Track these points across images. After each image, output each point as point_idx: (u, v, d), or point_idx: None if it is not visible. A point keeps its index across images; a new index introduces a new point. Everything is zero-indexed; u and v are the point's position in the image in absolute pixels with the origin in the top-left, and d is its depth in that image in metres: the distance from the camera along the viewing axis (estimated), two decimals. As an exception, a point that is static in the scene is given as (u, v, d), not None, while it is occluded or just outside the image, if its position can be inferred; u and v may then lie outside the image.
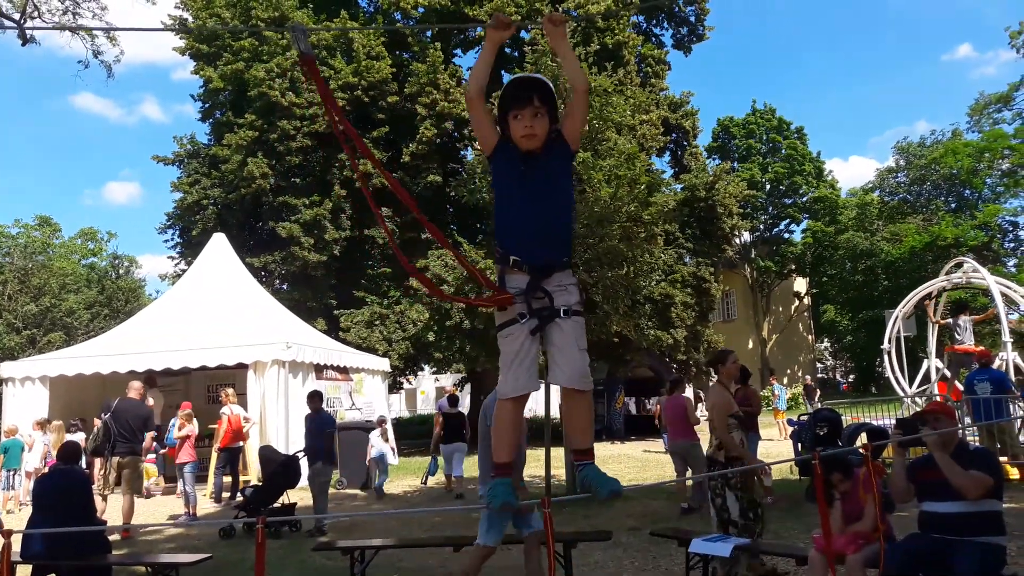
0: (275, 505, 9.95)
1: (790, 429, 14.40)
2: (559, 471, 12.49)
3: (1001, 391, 10.22)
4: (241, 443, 12.66)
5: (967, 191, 40.85)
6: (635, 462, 16.10)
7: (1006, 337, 13.19)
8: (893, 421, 8.90)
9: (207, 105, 24.87)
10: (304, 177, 22.68)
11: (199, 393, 16.77)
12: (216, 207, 22.99)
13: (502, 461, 2.86)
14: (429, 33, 23.59)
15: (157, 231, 29.05)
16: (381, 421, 14.56)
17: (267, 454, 10.57)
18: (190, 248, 23.01)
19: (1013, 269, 33.74)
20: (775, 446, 17.18)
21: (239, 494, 11.40)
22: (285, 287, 23.31)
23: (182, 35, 23.84)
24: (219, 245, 17.23)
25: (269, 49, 22.04)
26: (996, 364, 11.77)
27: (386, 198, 22.32)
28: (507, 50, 23.91)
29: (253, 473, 13.52)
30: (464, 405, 18.07)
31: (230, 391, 12.88)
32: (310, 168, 22.72)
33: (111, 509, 9.80)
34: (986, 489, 4.29)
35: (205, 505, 12.11)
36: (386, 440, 13.64)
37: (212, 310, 15.01)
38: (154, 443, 12.10)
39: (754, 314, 41.11)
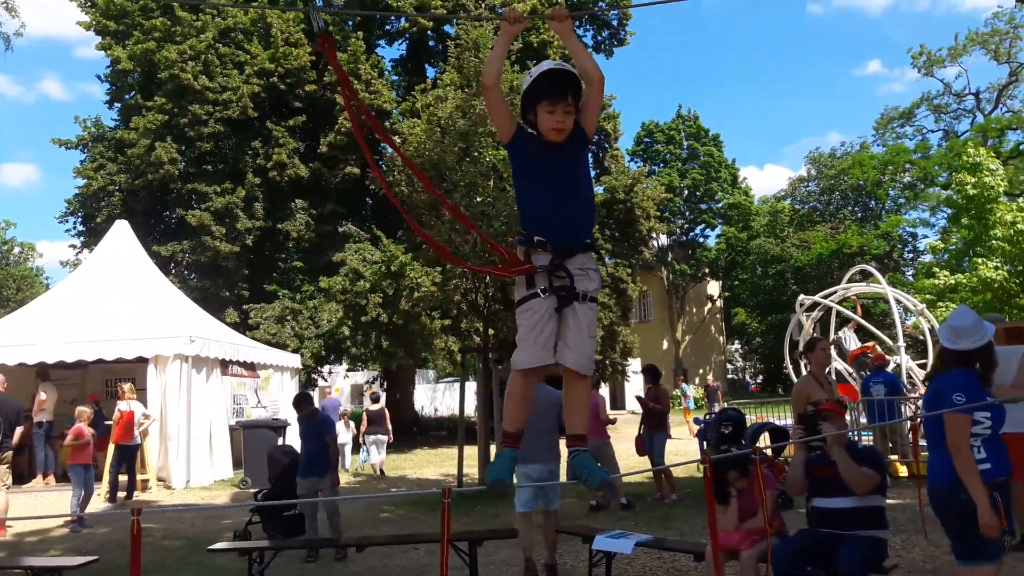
0: (291, 512, 8.53)
1: (696, 428, 14.73)
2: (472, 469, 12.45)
3: (894, 393, 10.67)
4: (138, 440, 12.10)
5: (872, 202, 42.78)
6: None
7: (900, 342, 13.79)
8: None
9: (114, 86, 23.76)
10: (216, 164, 21.93)
11: (96, 388, 15.98)
12: (122, 193, 21.98)
13: (510, 432, 2.90)
14: (351, 23, 23.17)
15: (57, 220, 27.52)
16: (343, 413, 16.32)
17: (274, 455, 9.39)
18: (94, 236, 21.91)
19: (911, 278, 35.41)
20: (683, 444, 17.54)
21: (134, 493, 10.90)
22: (193, 278, 22.51)
23: (87, 8, 22.71)
24: (121, 232, 16.47)
25: (182, 30, 21.20)
26: (890, 368, 12.28)
27: (302, 190, 21.85)
28: (430, 43, 23.75)
29: (152, 472, 13.03)
30: (382, 404, 18.01)
31: (128, 386, 12.31)
32: (222, 155, 21.99)
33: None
34: (874, 485, 4.47)
35: (99, 504, 11.55)
36: (348, 429, 15.85)
37: (111, 300, 14.32)
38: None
39: (669, 315, 42.02)
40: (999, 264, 21.25)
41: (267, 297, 21.05)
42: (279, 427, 13.60)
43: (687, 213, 42.55)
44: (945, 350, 3.85)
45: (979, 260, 21.51)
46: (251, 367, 15.68)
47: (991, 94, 38.69)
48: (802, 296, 17.42)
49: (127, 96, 23.26)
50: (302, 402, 8.35)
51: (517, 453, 2.89)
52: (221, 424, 14.18)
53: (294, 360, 17.67)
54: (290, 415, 16.07)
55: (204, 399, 13.69)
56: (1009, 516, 3.65)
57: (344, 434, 15.33)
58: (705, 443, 11.49)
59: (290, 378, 17.40)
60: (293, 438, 16.22)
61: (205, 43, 20.74)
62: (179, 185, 21.12)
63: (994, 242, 21.45)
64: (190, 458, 13.25)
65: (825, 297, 16.56)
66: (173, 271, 21.40)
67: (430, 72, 23.50)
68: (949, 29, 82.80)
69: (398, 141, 17.60)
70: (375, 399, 16.12)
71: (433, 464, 16.50)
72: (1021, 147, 35.26)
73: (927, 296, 21.37)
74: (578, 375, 2.82)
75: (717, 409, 17.32)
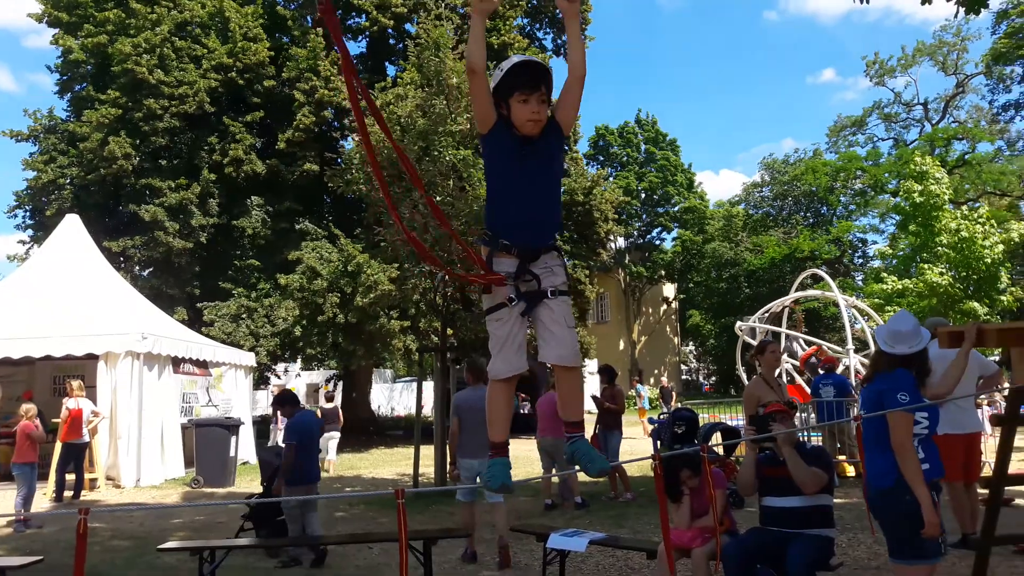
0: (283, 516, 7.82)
1: (651, 427, 14.92)
2: (428, 469, 12.44)
3: (843, 395, 10.94)
4: (86, 438, 11.85)
5: (824, 208, 43.70)
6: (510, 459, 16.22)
7: (849, 344, 14.15)
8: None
9: (66, 78, 23.15)
10: (171, 159, 21.53)
11: (44, 385, 15.62)
12: (73, 187, 21.45)
13: (498, 441, 2.90)
14: (310, 19, 22.94)
15: (6, 213, 26.72)
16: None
17: (264, 456, 8.89)
18: (44, 230, 21.32)
19: (860, 283, 36.31)
20: (637, 444, 17.74)
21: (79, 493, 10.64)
22: (146, 274, 22.06)
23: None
24: (72, 227, 16.07)
25: (137, 23, 20.78)
26: (839, 370, 12.58)
27: (259, 187, 21.57)
28: (391, 41, 23.63)
29: (100, 471, 12.77)
30: (336, 403, 18.02)
31: (77, 383, 12.04)
32: (177, 150, 21.58)
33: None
34: (822, 484, 4.58)
35: (43, 503, 11.28)
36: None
37: (61, 296, 13.98)
38: None
39: (626, 317, 42.42)
40: (944, 270, 21.92)
41: (221, 295, 20.74)
42: (232, 426, 13.43)
43: (644, 216, 43.02)
44: (883, 354, 3.95)
45: (925, 266, 22.17)
46: (204, 365, 15.45)
47: (939, 104, 39.84)
48: (739, 324, 17.86)
49: (78, 87, 22.71)
50: (282, 402, 7.70)
51: (504, 460, 2.89)
52: (173, 422, 13.95)
53: (248, 358, 17.45)
54: (243, 413, 15.94)
55: (156, 397, 13.44)
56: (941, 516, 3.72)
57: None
58: (659, 442, 11.66)
59: (244, 376, 17.17)
60: (246, 437, 16.13)
61: (160, 36, 20.35)
62: (132, 180, 20.69)
63: (939, 248, 22.13)
64: (140, 457, 13.01)
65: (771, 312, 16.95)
66: (125, 267, 20.94)
67: (391, 70, 23.41)
68: (901, 40, 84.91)
69: (356, 139, 17.57)
70: (329, 398, 17.20)
71: (389, 464, 16.45)
72: (966, 157, 36.36)
73: (876, 300, 21.94)
74: (567, 368, 2.81)
75: (671, 408, 17.61)
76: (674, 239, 43.32)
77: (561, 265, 2.84)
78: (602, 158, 42.73)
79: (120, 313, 14.32)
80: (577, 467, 2.84)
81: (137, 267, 22.15)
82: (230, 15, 21.25)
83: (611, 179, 37.11)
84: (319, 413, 16.16)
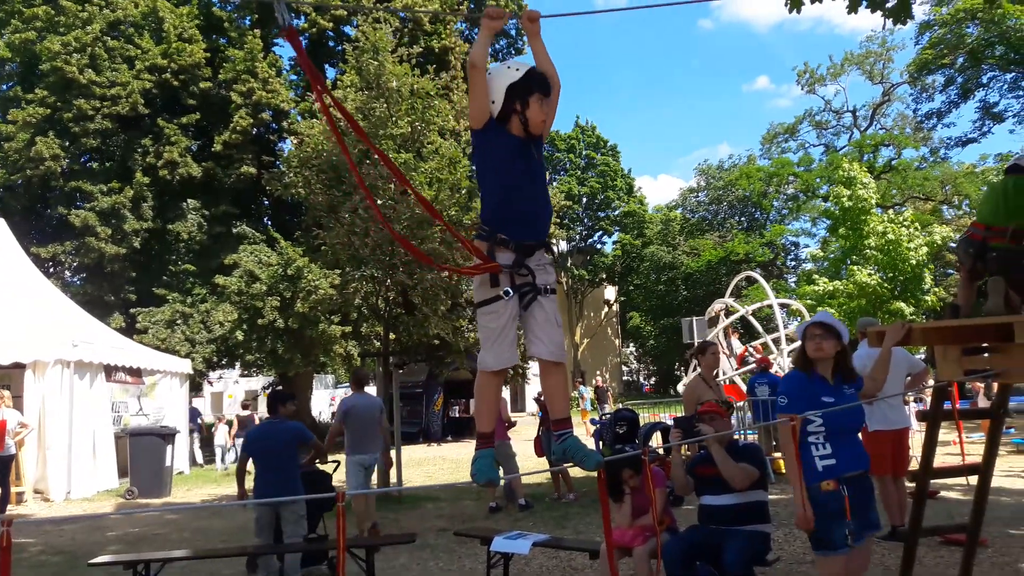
0: (311, 535, 7.14)
1: (593, 428, 15.09)
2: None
3: (777, 393, 11.22)
4: (12, 450, 11.40)
5: (757, 212, 44.77)
6: (450, 464, 16.21)
7: (783, 345, 14.55)
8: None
9: (-13, 74, 22.32)
10: (103, 162, 20.91)
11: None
12: (-4, 189, 20.69)
13: (485, 431, 2.92)
14: (248, 20, 22.58)
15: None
16: (219, 419, 18.40)
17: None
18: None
19: (793, 284, 37.29)
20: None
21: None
22: (76, 281, 21.37)
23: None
24: (-4, 231, 15.50)
25: (67, 21, 20.14)
26: (773, 369, 12.93)
27: (194, 190, 21.10)
28: (331, 43, 23.42)
29: (28, 484, 12.31)
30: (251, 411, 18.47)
31: (7, 393, 11.60)
32: (109, 152, 20.99)
33: None
34: (752, 480, 4.70)
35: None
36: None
37: (-15, 303, 13.47)
38: None
39: (568, 319, 42.76)
40: (872, 271, 22.70)
41: (156, 301, 20.22)
42: (168, 435, 13.11)
43: (585, 220, 43.47)
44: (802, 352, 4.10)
45: (855, 268, 22.92)
46: (137, 373, 15.04)
47: (867, 112, 41.15)
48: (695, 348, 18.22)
49: (5, 87, 21.90)
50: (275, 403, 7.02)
51: (491, 451, 2.91)
52: (106, 432, 13.55)
53: (184, 365, 17.05)
54: (179, 422, 15.57)
55: (87, 406, 13.04)
56: (865, 508, 3.78)
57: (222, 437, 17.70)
58: (601, 443, 11.80)
59: (179, 384, 16.77)
60: (182, 446, 15.75)
61: (92, 35, 19.78)
62: (61, 183, 20.06)
63: (868, 251, 22.91)
64: (71, 468, 12.58)
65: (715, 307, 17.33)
66: (55, 273, 20.27)
67: (330, 72, 23.18)
68: (831, 49, 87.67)
69: (295, 142, 17.34)
70: (245, 406, 18.28)
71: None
72: (893, 163, 37.68)
73: (808, 301, 22.60)
74: (554, 364, 2.90)
75: (607, 409, 17.84)
76: (614, 243, 43.87)
77: (552, 263, 2.96)
78: (544, 163, 43.05)
79: (49, 320, 13.84)
80: (569, 464, 2.90)
81: (68, 273, 21.46)
82: (164, 15, 20.77)
83: (553, 184, 37.40)
84: (236, 420, 17.49)
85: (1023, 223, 4.56)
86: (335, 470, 8.33)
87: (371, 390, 10.60)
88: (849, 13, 5.05)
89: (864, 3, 5.05)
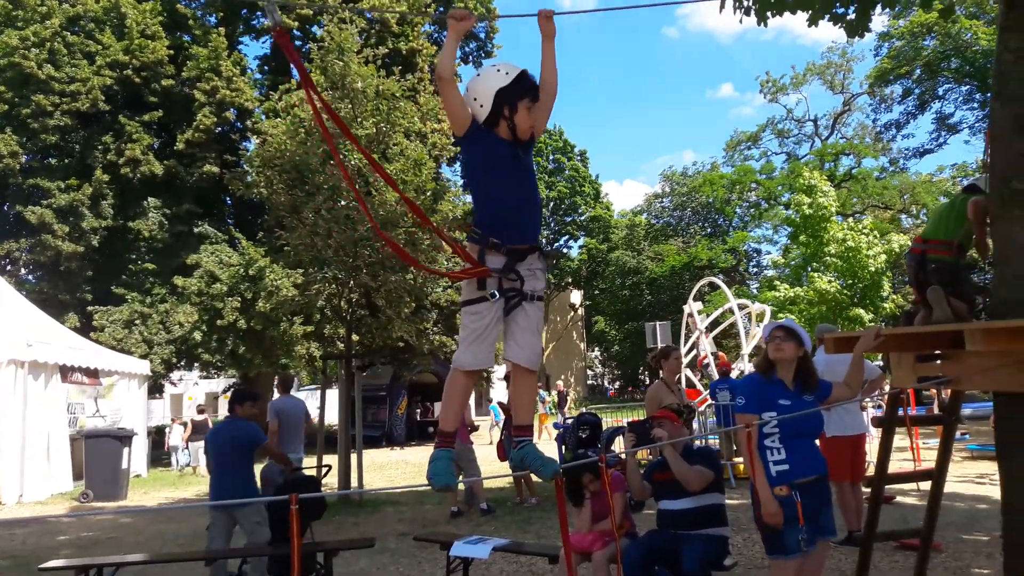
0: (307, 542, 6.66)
1: (556, 432, 15.11)
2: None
3: (738, 398, 11.36)
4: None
5: (720, 219, 45.32)
6: (412, 467, 16.13)
7: (744, 350, 14.74)
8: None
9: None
10: (61, 158, 20.49)
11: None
12: (-49, 186, 20.16)
13: (448, 430, 2.90)
14: (213, 18, 22.29)
15: None
16: (174, 421, 19.23)
17: (266, 475, 7.75)
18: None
19: (755, 290, 37.82)
20: (543, 448, 17.91)
21: None
22: (32, 279, 20.89)
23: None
24: (-52, 227, 15.11)
25: (25, 15, 19.71)
26: (734, 374, 13.08)
27: (156, 188, 20.75)
28: (297, 42, 23.19)
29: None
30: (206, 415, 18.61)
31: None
32: (69, 149, 20.57)
33: None
34: (707, 482, 4.74)
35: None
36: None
37: (-66, 301, 13.13)
38: None
39: (534, 323, 42.83)
40: (832, 278, 23.09)
41: (114, 300, 19.84)
42: (125, 437, 12.86)
43: (552, 224, 43.64)
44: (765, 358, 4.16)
45: (815, 274, 23.31)
46: (95, 374, 14.74)
47: (828, 121, 41.88)
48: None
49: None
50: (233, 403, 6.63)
51: (450, 452, 2.89)
52: (60, 434, 13.25)
53: (142, 366, 16.75)
54: (136, 424, 15.29)
55: (42, 407, 12.75)
56: (820, 513, 3.81)
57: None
58: (563, 447, 11.82)
59: (137, 386, 16.48)
60: (139, 449, 15.47)
61: (51, 30, 19.38)
62: (19, 179, 19.60)
63: (828, 258, 23.32)
64: (24, 471, 12.29)
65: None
66: (9, 271, 19.80)
67: (295, 71, 22.97)
68: (794, 59, 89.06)
69: (257, 140, 17.17)
70: (200, 410, 18.86)
71: (291, 473, 16.09)
72: (853, 171, 38.40)
73: (769, 307, 22.92)
74: (528, 371, 2.91)
75: (566, 412, 17.90)
76: (580, 247, 44.10)
77: (543, 270, 2.95)
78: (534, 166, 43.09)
79: (2, 319, 13.51)
80: (527, 471, 2.89)
81: (23, 271, 20.98)
82: (127, 11, 20.41)
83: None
84: (190, 424, 17.80)
85: (967, 237, 4.74)
86: (326, 473, 8.24)
87: (300, 395, 10.76)
88: (810, 26, 5.14)
89: (825, 16, 5.13)
